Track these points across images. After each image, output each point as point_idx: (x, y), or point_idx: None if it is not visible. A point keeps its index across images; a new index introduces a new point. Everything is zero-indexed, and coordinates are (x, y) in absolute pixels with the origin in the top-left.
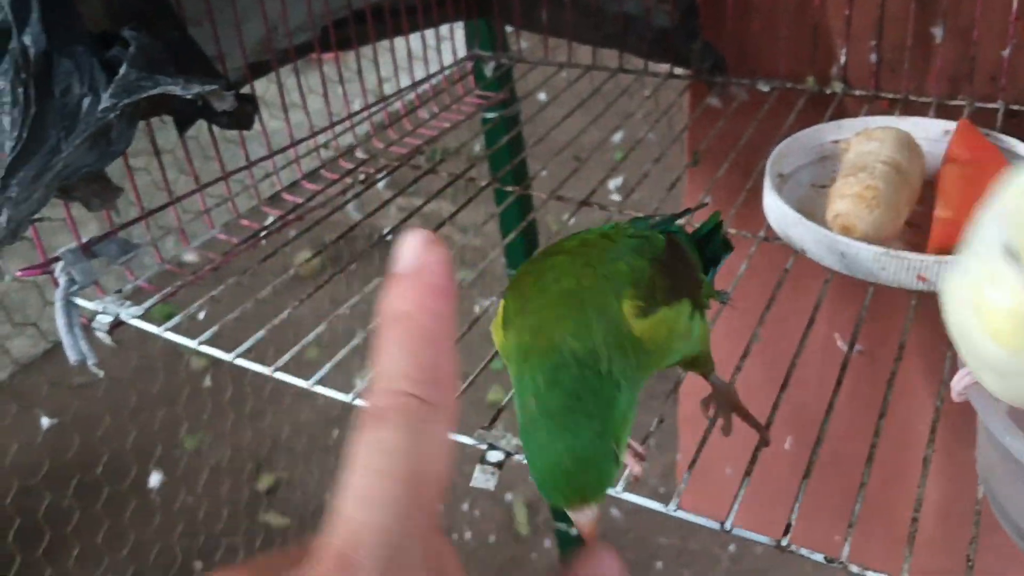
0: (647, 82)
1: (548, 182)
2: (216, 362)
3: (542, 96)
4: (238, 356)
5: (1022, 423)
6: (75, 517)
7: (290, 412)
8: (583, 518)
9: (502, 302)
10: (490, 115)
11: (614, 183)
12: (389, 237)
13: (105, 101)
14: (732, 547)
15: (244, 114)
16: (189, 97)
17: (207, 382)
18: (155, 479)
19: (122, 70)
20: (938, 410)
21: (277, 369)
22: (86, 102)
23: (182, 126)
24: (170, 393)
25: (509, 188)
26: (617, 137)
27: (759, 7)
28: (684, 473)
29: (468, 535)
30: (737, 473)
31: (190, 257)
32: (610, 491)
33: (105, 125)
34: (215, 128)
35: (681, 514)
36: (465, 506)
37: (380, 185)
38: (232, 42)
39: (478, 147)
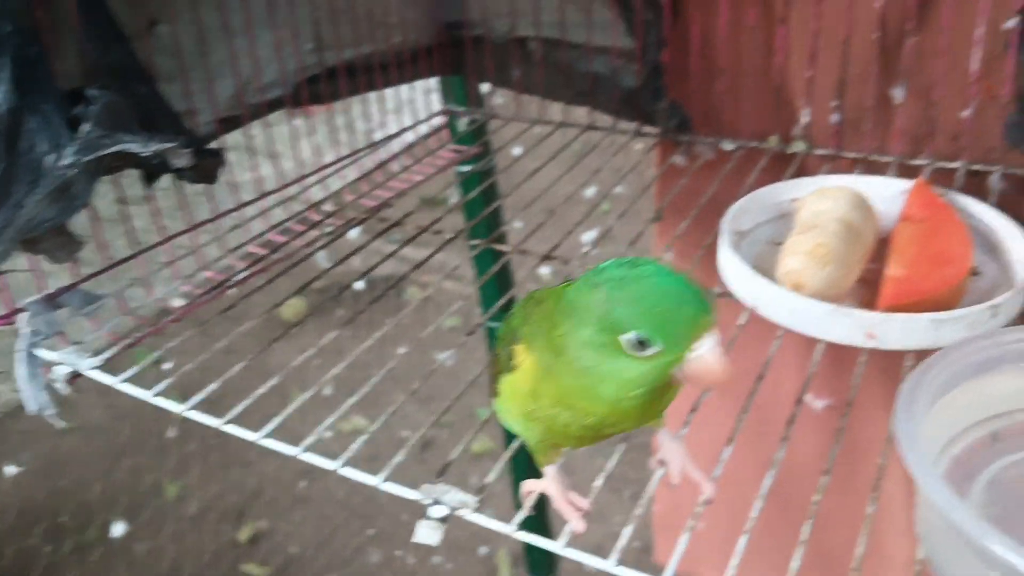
0: (616, 139)
1: (522, 234)
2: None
3: (516, 150)
4: (191, 408)
5: (962, 482)
6: (42, 565)
7: (273, 465)
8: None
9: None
10: (464, 168)
11: (587, 236)
12: (359, 285)
13: (67, 158)
14: None
15: (208, 168)
16: (147, 155)
17: (190, 430)
18: (119, 528)
19: (85, 128)
20: (880, 467)
21: (228, 422)
22: (50, 159)
23: (149, 179)
24: (145, 442)
25: (476, 241)
26: (590, 191)
27: (723, 68)
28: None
29: None
30: (709, 526)
31: (176, 302)
32: (554, 547)
33: (67, 180)
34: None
35: (621, 570)
36: (437, 559)
37: (353, 233)
38: (203, 98)
39: (454, 199)
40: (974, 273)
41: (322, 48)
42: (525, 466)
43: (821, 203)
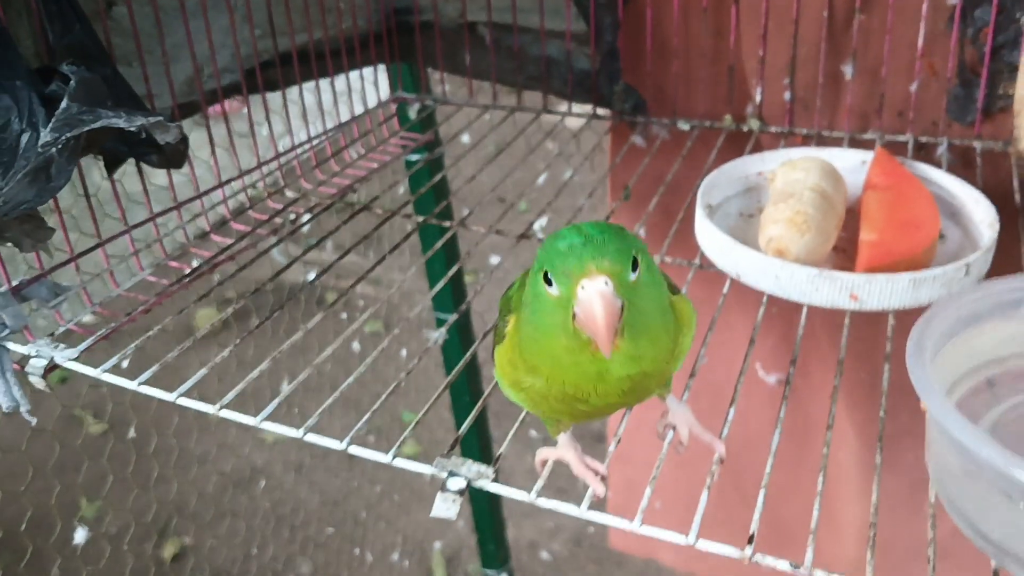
0: (569, 122)
1: (473, 223)
2: (116, 427)
3: (465, 138)
4: (180, 396)
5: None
6: None
7: (196, 479)
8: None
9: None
10: (414, 157)
11: (539, 223)
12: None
13: (45, 136)
14: None
15: (177, 152)
16: (133, 130)
17: (106, 450)
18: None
19: (63, 104)
20: (882, 420)
21: (223, 407)
22: (25, 138)
23: (111, 166)
24: (67, 462)
25: (420, 219)
26: (541, 179)
27: (677, 50)
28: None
29: None
30: (665, 507)
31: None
32: (575, 511)
33: (45, 161)
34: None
35: (646, 530)
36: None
37: (303, 230)
38: (161, 82)
39: (402, 190)
40: (939, 237)
41: (274, 33)
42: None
43: (793, 173)
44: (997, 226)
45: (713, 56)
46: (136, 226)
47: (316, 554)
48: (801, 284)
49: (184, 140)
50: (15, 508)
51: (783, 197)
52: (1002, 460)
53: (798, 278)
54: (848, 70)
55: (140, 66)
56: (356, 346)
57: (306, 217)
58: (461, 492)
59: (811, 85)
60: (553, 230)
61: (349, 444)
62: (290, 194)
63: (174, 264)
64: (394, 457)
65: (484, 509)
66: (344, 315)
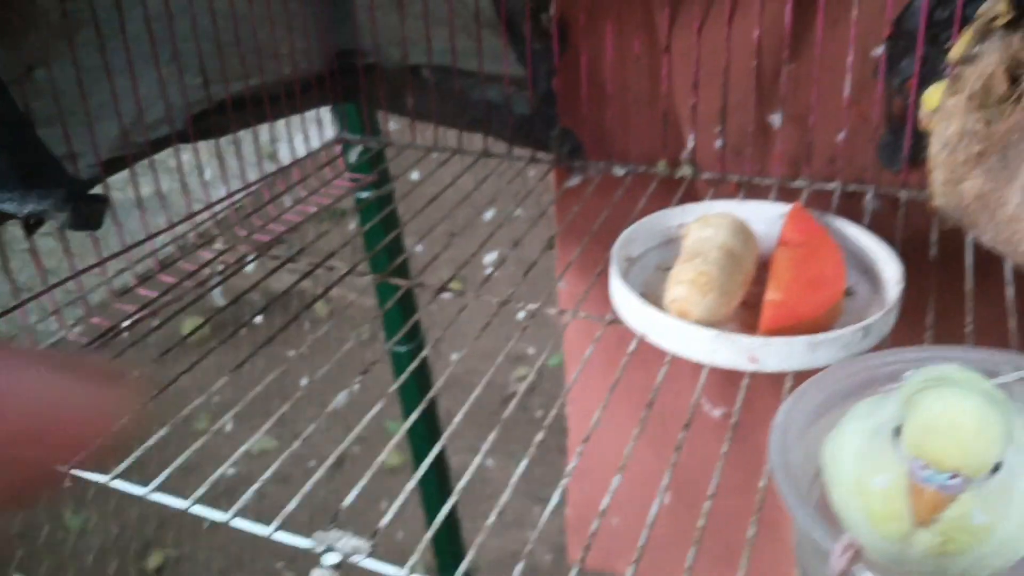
0: (514, 165)
1: (423, 258)
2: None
3: (415, 175)
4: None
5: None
6: None
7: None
8: None
9: None
10: (364, 195)
11: (489, 257)
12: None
13: None
14: None
15: (93, 215)
16: (22, 216)
17: None
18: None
19: None
20: (761, 489)
21: (115, 477)
22: None
23: (30, 229)
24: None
25: (367, 276)
26: (488, 215)
27: (612, 96)
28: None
29: None
30: (624, 523)
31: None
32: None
33: None
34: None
35: None
36: None
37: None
38: (85, 140)
39: (352, 225)
40: (849, 294)
41: (208, 83)
42: (435, 488)
43: (704, 231)
44: (901, 285)
45: (648, 102)
46: (55, 286)
47: (300, 568)
48: (702, 345)
49: (103, 201)
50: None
51: (690, 256)
52: (822, 537)
53: (699, 339)
54: (776, 119)
55: (62, 126)
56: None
57: (239, 264)
58: (337, 567)
59: (742, 132)
60: (502, 264)
61: (233, 516)
62: (219, 245)
63: (95, 321)
64: (276, 530)
65: (444, 536)
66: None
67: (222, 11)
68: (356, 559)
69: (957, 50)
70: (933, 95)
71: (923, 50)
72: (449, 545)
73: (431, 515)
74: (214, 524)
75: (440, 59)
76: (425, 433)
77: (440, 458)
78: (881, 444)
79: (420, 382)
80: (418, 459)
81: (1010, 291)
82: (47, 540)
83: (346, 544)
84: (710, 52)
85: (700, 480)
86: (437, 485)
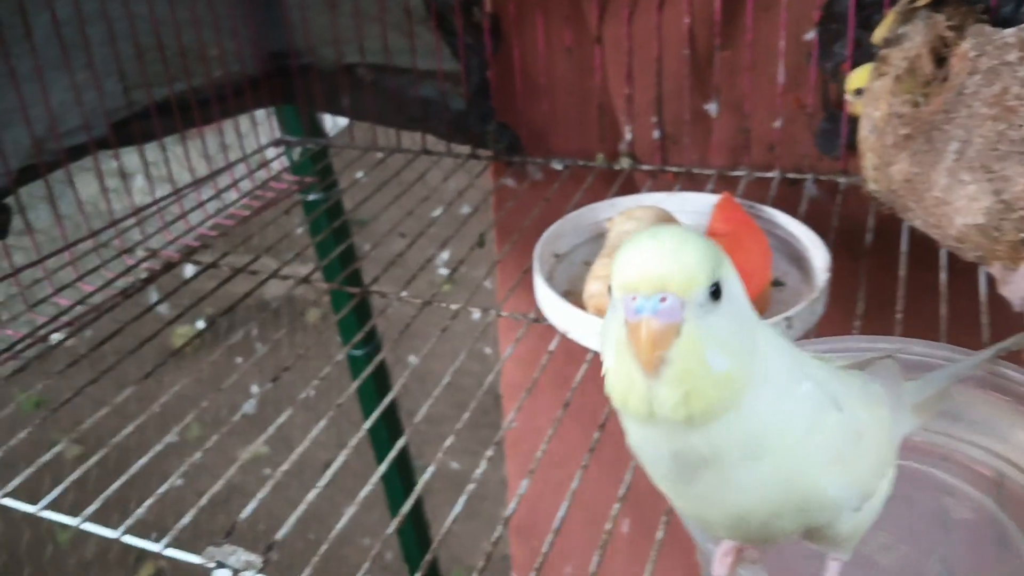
0: (454, 162)
1: (373, 261)
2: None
3: (358, 175)
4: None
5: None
6: None
7: (173, 500)
8: None
9: None
10: (309, 197)
11: (441, 257)
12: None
13: None
14: None
15: None
16: None
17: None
18: None
19: None
20: None
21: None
22: None
23: None
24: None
25: (326, 285)
26: (437, 212)
27: (546, 89)
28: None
29: None
30: (575, 571)
31: None
32: None
33: None
34: None
35: None
36: None
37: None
38: None
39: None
40: (777, 284)
41: (129, 89)
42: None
43: (625, 224)
44: (828, 274)
45: (582, 95)
46: None
47: (294, 573)
48: None
49: (6, 211)
50: None
51: (610, 251)
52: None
53: None
54: (712, 108)
55: None
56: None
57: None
58: None
59: (679, 122)
60: (454, 262)
61: (124, 533)
62: (141, 252)
63: (10, 332)
64: (165, 547)
65: (411, 540)
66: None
67: (141, 15)
68: (247, 574)
69: (881, 31)
70: (857, 77)
71: (855, 33)
72: (419, 546)
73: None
74: (210, 531)
75: (374, 57)
76: (387, 437)
77: (405, 460)
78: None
79: (379, 385)
80: (388, 479)
81: (943, 277)
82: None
83: (238, 559)
84: (642, 42)
85: (651, 490)
86: (402, 488)
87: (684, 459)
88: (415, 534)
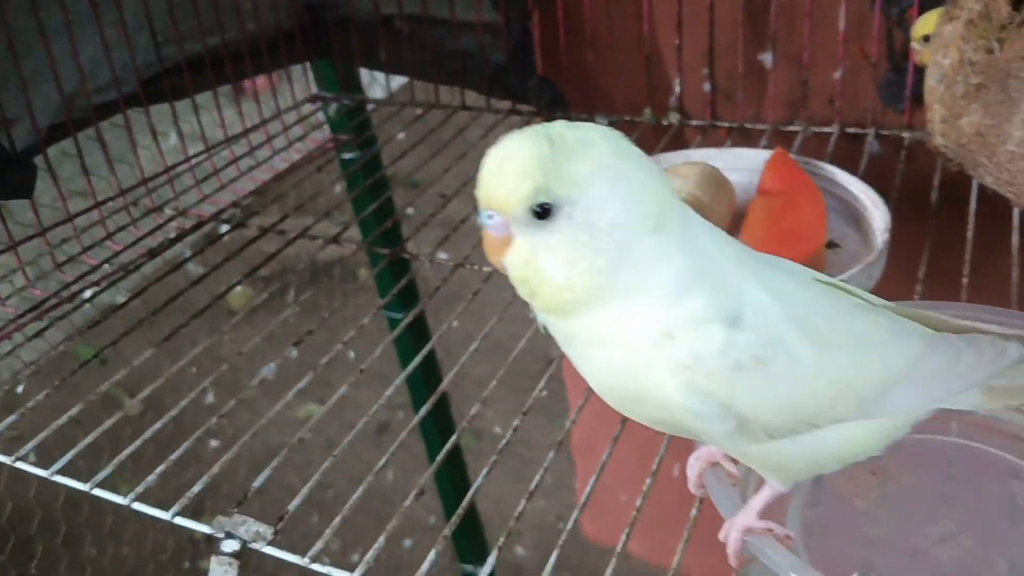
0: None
1: (412, 220)
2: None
3: (395, 132)
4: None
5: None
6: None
7: (230, 459)
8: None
9: None
10: (346, 155)
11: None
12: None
13: None
14: None
15: (22, 183)
16: None
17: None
18: (78, 534)
19: None
20: None
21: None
22: None
23: None
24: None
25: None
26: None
27: (592, 40)
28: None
29: None
30: (631, 500)
31: None
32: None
33: None
34: None
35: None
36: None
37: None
38: (21, 107)
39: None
40: (832, 246)
41: (160, 44)
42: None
43: (672, 181)
44: (887, 235)
45: (630, 45)
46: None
47: (344, 531)
48: None
49: (29, 170)
50: (50, 489)
51: None
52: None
53: None
54: (768, 59)
55: None
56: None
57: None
58: (236, 555)
59: (732, 75)
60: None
61: (133, 500)
62: (168, 211)
63: (37, 292)
64: (174, 516)
65: (452, 505)
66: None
67: None
68: (257, 545)
69: None
70: (925, 22)
71: None
72: (457, 499)
73: (441, 485)
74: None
75: (412, 7)
76: (427, 397)
77: (447, 419)
78: None
79: (418, 347)
80: (427, 436)
81: (1015, 239)
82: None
83: (248, 530)
84: None
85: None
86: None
87: (560, 337)
88: (456, 495)
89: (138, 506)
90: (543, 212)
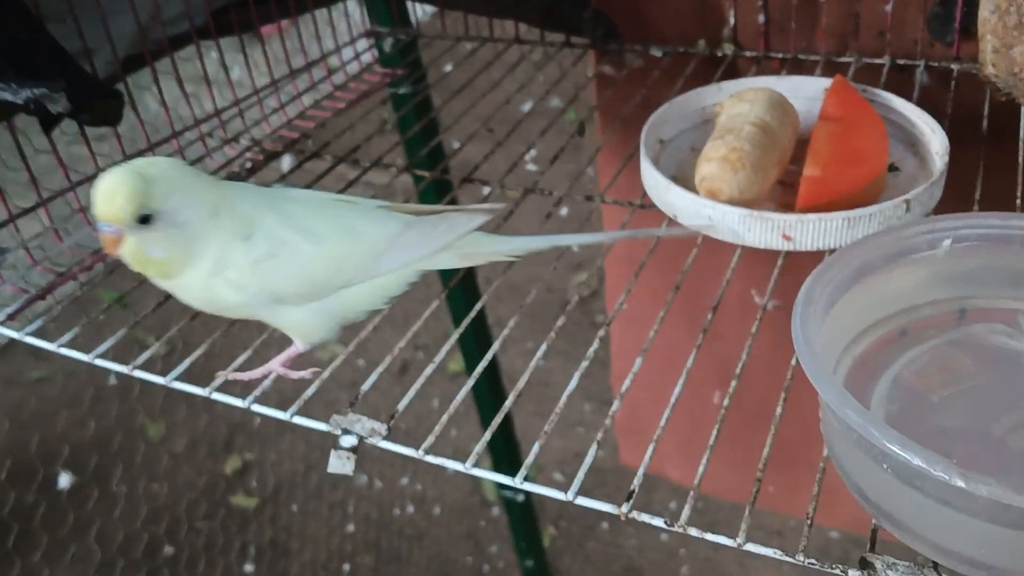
0: (547, 51)
1: (461, 156)
2: (177, 351)
3: (448, 67)
4: (135, 368)
5: (867, 381)
6: (39, 513)
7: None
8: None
9: None
10: (402, 90)
11: (530, 154)
12: None
13: None
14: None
15: (109, 111)
16: (20, 103)
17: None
18: (110, 471)
19: None
20: (793, 367)
21: (174, 379)
22: None
23: (47, 126)
24: (129, 383)
25: (421, 172)
26: (527, 106)
27: None
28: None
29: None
30: (671, 429)
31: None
32: (460, 467)
33: None
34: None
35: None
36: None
37: (286, 163)
38: (99, 37)
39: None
40: (893, 169)
41: None
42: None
43: (737, 107)
44: (947, 158)
45: None
46: (79, 184)
47: (374, 467)
48: (733, 224)
49: (118, 97)
50: (80, 428)
51: (722, 133)
52: (858, 420)
53: (729, 218)
54: None
55: (74, 22)
56: None
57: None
58: (354, 449)
59: (785, 6)
60: (544, 161)
61: (252, 403)
62: (244, 141)
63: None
64: (292, 415)
65: (499, 436)
66: None
67: None
68: (373, 440)
69: None
70: None
71: None
72: (505, 443)
73: (484, 414)
74: (280, 429)
75: None
76: (475, 339)
77: (493, 362)
78: None
79: (467, 290)
80: (471, 365)
81: None
82: (121, 449)
83: (363, 426)
84: None
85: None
86: (488, 386)
87: (170, 289)
88: (502, 431)
89: (178, 384)
90: (144, 219)
